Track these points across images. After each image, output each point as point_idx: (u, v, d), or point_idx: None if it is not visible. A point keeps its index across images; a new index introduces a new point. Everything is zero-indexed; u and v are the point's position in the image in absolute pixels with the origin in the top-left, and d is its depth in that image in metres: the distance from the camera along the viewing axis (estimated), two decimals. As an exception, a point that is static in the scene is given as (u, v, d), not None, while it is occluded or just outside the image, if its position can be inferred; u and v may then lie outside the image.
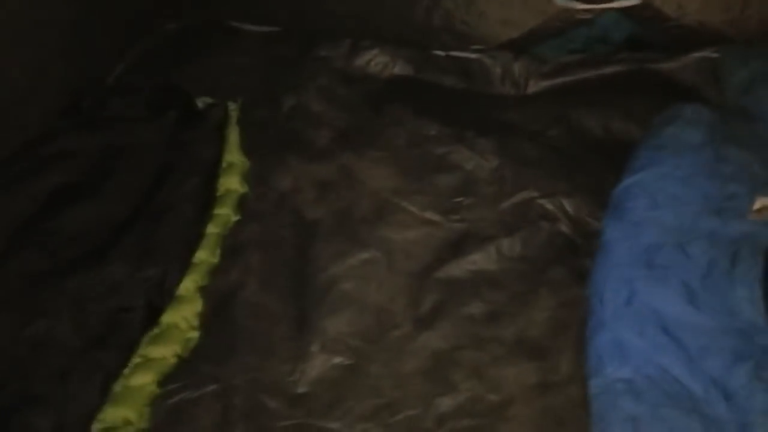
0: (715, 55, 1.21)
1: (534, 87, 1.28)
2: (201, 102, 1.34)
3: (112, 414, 0.89)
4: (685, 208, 0.92)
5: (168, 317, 1.00)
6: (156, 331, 0.99)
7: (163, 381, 0.92)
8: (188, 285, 1.04)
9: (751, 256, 0.84)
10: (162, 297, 1.00)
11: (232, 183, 1.21)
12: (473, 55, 1.34)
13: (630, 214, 0.94)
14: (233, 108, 1.32)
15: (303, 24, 1.45)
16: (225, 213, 1.16)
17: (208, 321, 1.00)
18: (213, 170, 1.22)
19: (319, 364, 0.94)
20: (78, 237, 1.06)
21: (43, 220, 1.08)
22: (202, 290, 1.04)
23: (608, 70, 1.26)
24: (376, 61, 1.38)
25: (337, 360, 0.94)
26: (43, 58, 1.27)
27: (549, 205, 1.07)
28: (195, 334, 0.99)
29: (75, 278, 0.99)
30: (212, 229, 1.13)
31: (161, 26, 1.49)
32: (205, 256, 1.09)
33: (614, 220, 0.95)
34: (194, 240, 1.10)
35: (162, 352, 0.96)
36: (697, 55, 1.22)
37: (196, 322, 1.00)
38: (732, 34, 1.23)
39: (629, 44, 1.29)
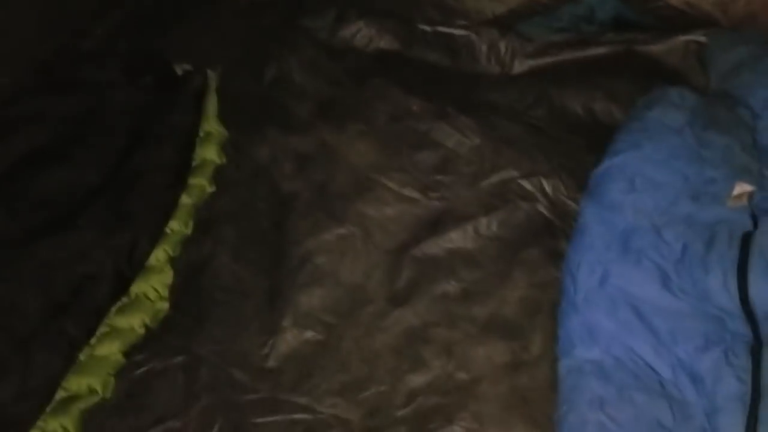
0: (702, 38, 1.19)
1: (519, 66, 1.27)
2: (180, 69, 1.31)
3: (76, 382, 0.88)
4: (662, 192, 0.91)
5: (137, 287, 0.98)
6: (125, 300, 0.97)
7: (130, 351, 0.91)
8: (159, 255, 1.03)
9: (726, 242, 0.83)
10: (131, 266, 0.99)
11: (208, 153, 1.19)
12: (459, 32, 1.31)
13: (607, 197, 0.93)
14: (212, 76, 1.29)
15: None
16: (200, 183, 1.14)
17: (178, 292, 0.99)
18: (189, 139, 1.19)
19: (289, 338, 0.93)
20: (46, 202, 1.04)
21: (11, 183, 1.05)
22: (173, 261, 1.02)
23: (593, 50, 1.24)
24: (361, 33, 1.36)
25: (309, 335, 0.93)
26: (18, 20, 1.23)
27: (528, 186, 1.05)
28: (164, 305, 0.98)
29: (41, 244, 0.97)
30: (186, 199, 1.11)
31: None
32: (177, 226, 1.07)
33: (591, 202, 0.94)
34: (167, 209, 1.08)
35: (130, 322, 0.94)
36: (684, 38, 1.21)
37: (165, 293, 0.99)
38: (719, 17, 1.22)
39: (616, 24, 1.28)
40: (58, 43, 1.31)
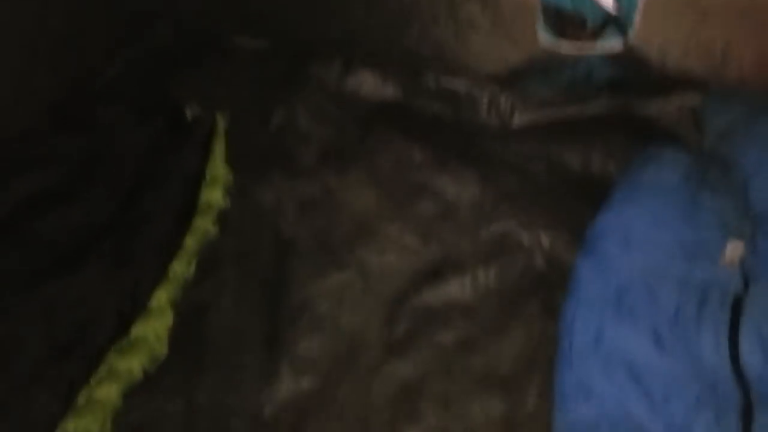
0: (696, 99, 1.23)
1: (519, 120, 1.29)
2: (190, 112, 1.34)
3: (73, 425, 0.88)
4: (656, 251, 0.93)
5: (137, 329, 0.99)
6: (124, 343, 0.98)
7: (128, 394, 0.92)
8: (161, 297, 1.03)
9: (718, 304, 0.85)
10: (133, 308, 1.00)
11: (214, 196, 1.20)
12: (462, 84, 1.35)
13: (602, 253, 0.95)
14: (221, 120, 1.32)
15: (295, 41, 1.46)
16: (204, 226, 1.16)
17: (178, 335, 0.99)
18: (196, 182, 1.21)
19: (287, 386, 0.93)
20: (54, 243, 1.05)
21: (18, 223, 1.07)
22: (174, 304, 1.03)
23: (591, 108, 1.27)
24: (367, 83, 1.39)
25: (306, 383, 0.94)
26: (31, 61, 1.26)
27: (526, 239, 1.07)
28: (163, 348, 0.98)
29: (47, 285, 0.98)
30: (190, 241, 1.13)
31: (153, 34, 1.50)
32: (180, 268, 1.08)
33: (586, 258, 0.96)
34: (171, 251, 1.09)
35: (129, 364, 0.95)
36: (678, 98, 1.24)
37: (165, 336, 0.99)
38: (713, 82, 1.26)
39: (612, 85, 1.32)
40: (69, 83, 1.34)
